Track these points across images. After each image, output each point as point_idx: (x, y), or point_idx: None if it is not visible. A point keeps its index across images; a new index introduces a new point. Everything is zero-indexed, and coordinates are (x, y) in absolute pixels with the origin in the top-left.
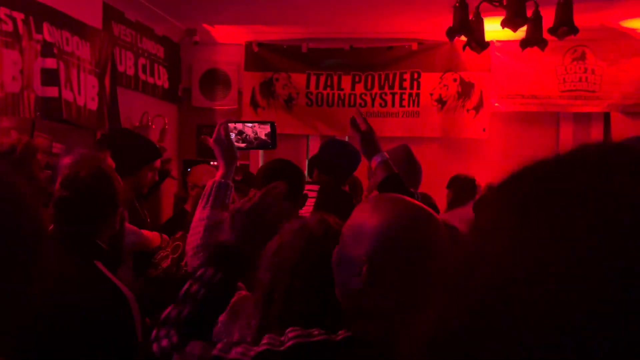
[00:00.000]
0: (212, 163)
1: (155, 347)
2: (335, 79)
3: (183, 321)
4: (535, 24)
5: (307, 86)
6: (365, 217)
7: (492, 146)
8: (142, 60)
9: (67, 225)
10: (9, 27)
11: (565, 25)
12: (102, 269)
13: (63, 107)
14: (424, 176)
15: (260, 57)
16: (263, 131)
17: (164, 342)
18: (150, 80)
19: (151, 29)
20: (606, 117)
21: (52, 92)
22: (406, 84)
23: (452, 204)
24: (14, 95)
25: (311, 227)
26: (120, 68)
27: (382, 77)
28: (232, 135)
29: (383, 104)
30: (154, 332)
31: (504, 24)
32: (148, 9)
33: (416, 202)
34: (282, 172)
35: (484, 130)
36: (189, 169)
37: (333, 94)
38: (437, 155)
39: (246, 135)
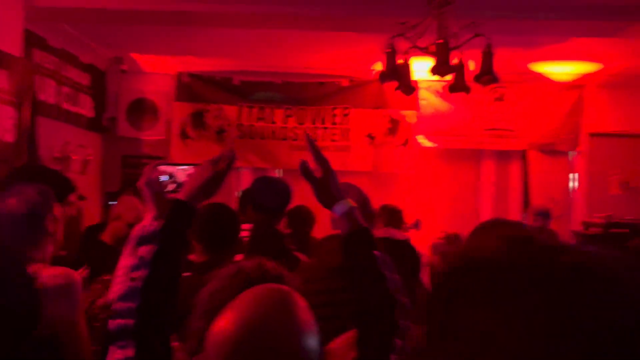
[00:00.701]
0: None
1: None
2: (268, 111)
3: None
4: (460, 71)
5: (239, 118)
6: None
7: (419, 180)
8: (65, 89)
9: None
10: None
11: (488, 74)
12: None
13: None
14: None
15: (191, 88)
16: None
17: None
18: (74, 109)
19: (76, 57)
20: (525, 154)
21: None
22: (337, 119)
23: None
24: None
25: (248, 272)
26: (42, 97)
27: (314, 111)
28: (163, 178)
29: (314, 138)
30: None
31: (433, 71)
32: (73, 36)
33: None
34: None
35: (411, 165)
36: (110, 202)
37: (265, 127)
38: (367, 189)
39: (177, 178)
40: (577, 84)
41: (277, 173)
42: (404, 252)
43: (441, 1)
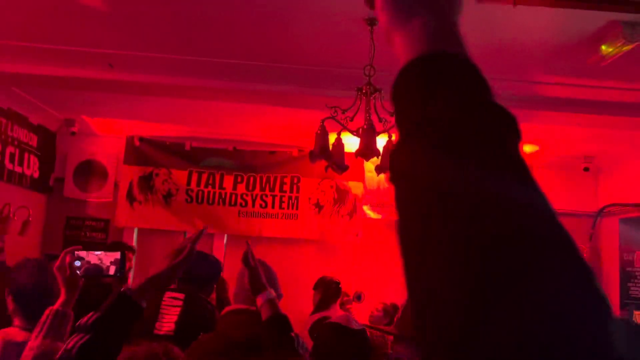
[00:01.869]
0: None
1: None
2: (218, 177)
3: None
4: (387, 154)
5: (188, 183)
6: None
7: (365, 250)
8: (10, 149)
9: None
10: None
11: None
12: None
13: None
14: (302, 277)
15: (141, 151)
16: (109, 259)
17: None
18: (18, 169)
19: (25, 117)
20: None
21: None
22: (286, 187)
23: (319, 307)
24: None
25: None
26: None
27: (264, 179)
28: (78, 263)
29: (263, 205)
30: None
31: (356, 154)
32: (24, 99)
33: None
34: None
35: (357, 235)
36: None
37: (214, 192)
38: (314, 257)
39: (89, 262)
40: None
41: (224, 239)
42: (358, 344)
43: (370, 88)
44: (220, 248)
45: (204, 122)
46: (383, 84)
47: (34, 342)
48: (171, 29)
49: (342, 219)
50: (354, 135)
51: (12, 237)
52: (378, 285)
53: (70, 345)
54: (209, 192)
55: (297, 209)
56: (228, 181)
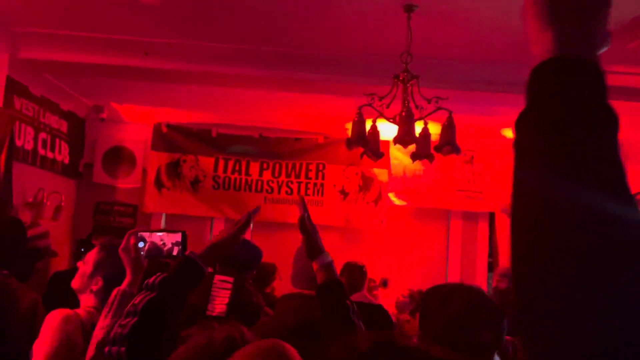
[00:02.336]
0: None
1: None
2: (244, 164)
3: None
4: (423, 141)
5: (215, 169)
6: None
7: (389, 237)
8: (42, 135)
9: None
10: None
11: (449, 145)
12: None
13: None
14: None
15: (168, 138)
16: (171, 240)
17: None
18: (50, 155)
19: (56, 104)
20: (492, 216)
21: None
22: (311, 174)
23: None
24: None
25: (216, 346)
26: (19, 142)
27: (289, 166)
28: (142, 244)
29: (289, 192)
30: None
31: (395, 141)
32: (55, 85)
33: None
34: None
35: (381, 222)
36: (82, 249)
37: (240, 179)
38: (339, 244)
39: (153, 243)
40: None
41: (250, 225)
42: (378, 317)
43: (407, 75)
44: (246, 234)
45: (230, 109)
46: (420, 71)
47: (104, 321)
48: (204, 16)
49: (367, 206)
50: (391, 122)
51: (44, 222)
52: (403, 272)
53: (137, 301)
54: (235, 179)
55: (322, 195)
56: (254, 168)
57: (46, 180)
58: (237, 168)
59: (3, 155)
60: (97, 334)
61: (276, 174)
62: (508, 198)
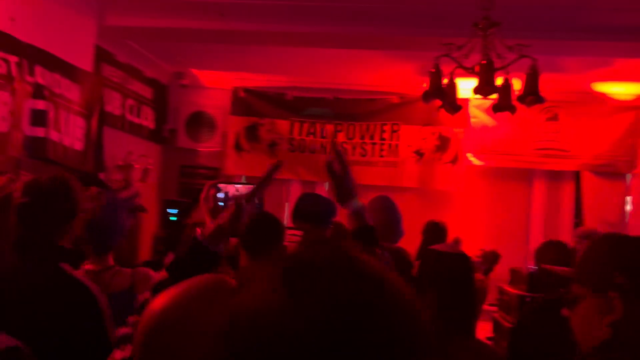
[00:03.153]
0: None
1: None
2: (318, 127)
3: None
4: (504, 91)
5: (290, 132)
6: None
7: (466, 198)
8: (129, 101)
9: (29, 230)
10: (3, 69)
11: (532, 95)
12: (68, 270)
13: (49, 146)
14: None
15: (246, 102)
16: (245, 190)
17: None
18: (137, 120)
19: (140, 71)
20: (577, 175)
21: (39, 132)
22: (386, 135)
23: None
24: (2, 134)
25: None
26: (108, 108)
27: (364, 127)
28: (220, 195)
29: (363, 153)
30: None
31: (476, 91)
32: (138, 52)
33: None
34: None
35: (459, 183)
36: (168, 209)
37: (315, 141)
38: (413, 205)
39: (230, 194)
40: (635, 105)
41: (325, 186)
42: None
43: (487, 23)
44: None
45: (305, 72)
46: (501, 18)
47: None
48: None
49: (444, 167)
50: (470, 73)
51: (134, 183)
52: (478, 232)
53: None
54: (310, 142)
55: (397, 156)
56: (328, 130)
57: (134, 145)
58: (311, 130)
59: (95, 120)
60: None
61: (350, 136)
62: (595, 156)
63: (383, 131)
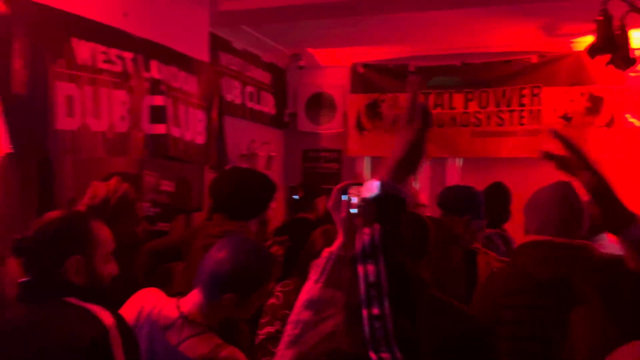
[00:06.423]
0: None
1: None
2: (446, 97)
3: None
4: None
5: None
6: None
7: (626, 167)
8: (249, 88)
9: (32, 265)
10: (118, 67)
11: None
12: (75, 302)
13: (170, 143)
14: None
15: (365, 78)
16: None
17: None
18: (257, 107)
19: (257, 56)
20: None
21: (159, 129)
22: (526, 100)
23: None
24: (123, 135)
25: None
26: (228, 97)
27: (499, 93)
28: (353, 200)
29: (500, 123)
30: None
31: None
32: (254, 37)
33: None
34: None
35: (616, 149)
36: (293, 196)
37: (444, 114)
38: (562, 178)
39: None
40: None
41: (457, 162)
42: None
43: None
44: (454, 173)
45: (427, 39)
46: None
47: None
48: None
49: (597, 131)
50: None
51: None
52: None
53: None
54: (438, 114)
55: (539, 123)
56: (458, 100)
57: (256, 132)
58: (439, 102)
59: (215, 111)
60: (301, 298)
61: (483, 104)
62: None
63: (522, 96)
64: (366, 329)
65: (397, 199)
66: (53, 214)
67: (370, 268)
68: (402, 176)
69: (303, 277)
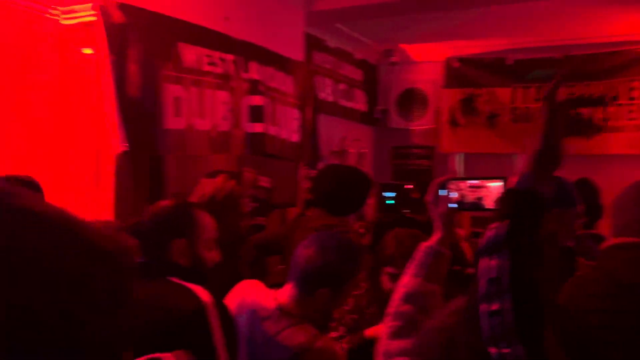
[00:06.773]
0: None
1: None
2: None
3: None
4: None
5: (513, 101)
6: None
7: None
8: (341, 86)
9: (144, 247)
10: (220, 69)
11: None
12: (178, 281)
13: (267, 141)
14: None
15: (460, 73)
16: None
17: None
18: (349, 104)
19: (350, 54)
20: None
21: (257, 128)
22: (635, 93)
23: None
24: (225, 133)
25: None
26: (321, 95)
27: (605, 86)
28: (452, 195)
29: (606, 118)
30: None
31: None
32: (346, 34)
33: None
34: None
35: None
36: (383, 193)
37: None
38: None
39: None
40: None
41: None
42: None
43: None
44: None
45: (526, 30)
46: None
47: (409, 280)
48: None
49: None
50: None
51: None
52: None
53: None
54: (536, 109)
55: None
56: (560, 94)
57: (347, 129)
58: (538, 96)
59: (309, 109)
60: (399, 291)
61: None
62: None
63: (631, 89)
64: (485, 324)
65: (531, 194)
66: (163, 203)
67: (493, 263)
68: (545, 168)
69: (375, 281)
